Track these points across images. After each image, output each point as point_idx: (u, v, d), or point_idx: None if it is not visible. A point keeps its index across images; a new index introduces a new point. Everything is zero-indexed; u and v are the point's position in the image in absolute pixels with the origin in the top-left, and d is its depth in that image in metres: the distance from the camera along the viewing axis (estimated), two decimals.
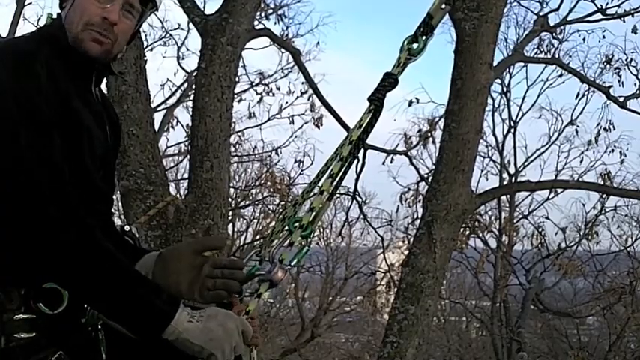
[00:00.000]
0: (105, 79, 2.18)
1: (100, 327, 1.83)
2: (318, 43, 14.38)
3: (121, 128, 2.34)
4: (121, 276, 1.70)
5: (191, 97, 10.08)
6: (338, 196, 13.47)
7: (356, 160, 1.91)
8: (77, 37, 1.90)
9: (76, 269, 1.66)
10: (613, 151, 13.34)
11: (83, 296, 1.74)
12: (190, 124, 6.31)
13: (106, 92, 2.33)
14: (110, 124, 2.06)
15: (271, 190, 13.00)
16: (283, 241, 1.86)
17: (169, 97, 14.57)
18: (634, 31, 10.87)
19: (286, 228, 1.86)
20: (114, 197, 2.19)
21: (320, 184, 1.86)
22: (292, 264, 1.85)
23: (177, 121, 13.92)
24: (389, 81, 1.88)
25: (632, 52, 11.60)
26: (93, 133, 1.93)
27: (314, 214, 1.83)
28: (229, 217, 9.83)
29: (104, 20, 1.89)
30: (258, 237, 15.24)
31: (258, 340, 1.92)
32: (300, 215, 1.86)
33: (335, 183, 1.86)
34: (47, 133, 1.73)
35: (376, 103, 1.86)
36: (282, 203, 12.87)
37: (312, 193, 1.96)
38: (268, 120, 14.12)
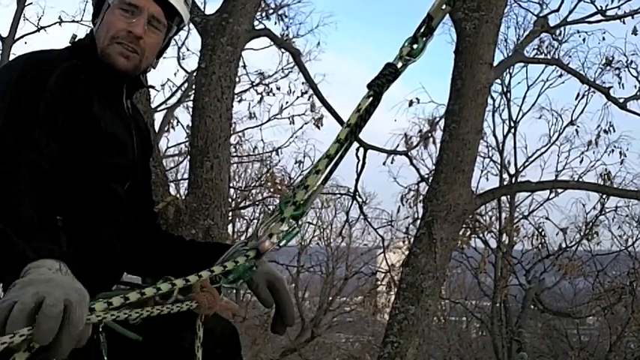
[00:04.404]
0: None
1: (101, 330, 1.83)
2: (318, 43, 14.42)
3: (152, 146, 2.37)
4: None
5: (191, 98, 10.09)
6: (338, 195, 13.48)
7: (356, 160, 1.90)
8: (104, 50, 1.98)
9: None
10: (613, 151, 13.36)
11: None
12: (190, 125, 6.31)
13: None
14: (139, 138, 2.11)
15: (271, 190, 12.98)
16: (274, 218, 1.80)
17: (170, 98, 14.60)
18: (634, 32, 10.87)
19: (278, 208, 1.81)
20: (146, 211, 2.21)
21: (316, 164, 1.82)
22: (281, 245, 1.80)
23: (178, 122, 13.96)
24: (389, 70, 1.87)
25: (632, 54, 11.65)
26: (118, 141, 1.98)
27: (308, 193, 1.79)
28: (229, 218, 9.83)
29: (129, 34, 1.96)
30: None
31: (221, 307, 1.91)
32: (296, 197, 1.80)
33: (331, 165, 1.83)
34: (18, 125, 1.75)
35: (375, 89, 1.85)
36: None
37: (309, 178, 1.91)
38: (269, 120, 14.17)
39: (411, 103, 12.29)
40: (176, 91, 14.55)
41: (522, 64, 13.12)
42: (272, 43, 10.49)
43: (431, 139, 12.29)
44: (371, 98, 1.85)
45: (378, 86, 1.85)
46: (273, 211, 1.94)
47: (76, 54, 1.99)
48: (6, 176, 1.67)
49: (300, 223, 1.80)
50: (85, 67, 1.95)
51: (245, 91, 13.28)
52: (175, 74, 14.87)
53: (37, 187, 1.72)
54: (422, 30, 1.88)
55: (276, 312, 2.08)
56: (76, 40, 2.09)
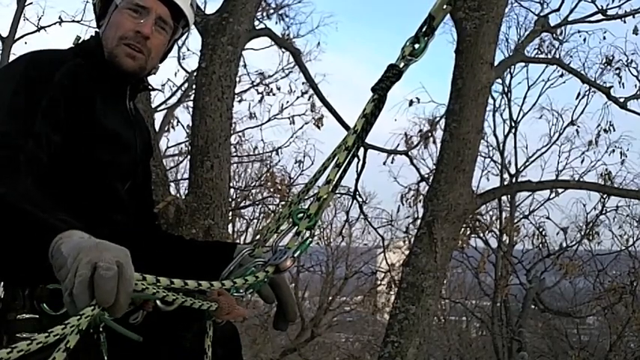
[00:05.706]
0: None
1: (101, 330, 1.83)
2: (318, 43, 14.41)
3: (153, 147, 2.38)
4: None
5: (192, 97, 10.09)
6: (339, 195, 13.49)
7: (356, 160, 1.89)
8: (112, 51, 2.01)
9: None
10: (614, 151, 13.36)
11: None
12: (191, 124, 6.31)
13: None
14: (140, 138, 2.13)
15: (271, 190, 12.98)
16: (288, 231, 1.82)
17: (170, 97, 14.59)
18: (634, 32, 10.88)
19: (290, 219, 1.82)
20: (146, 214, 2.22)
21: (327, 173, 1.82)
22: (295, 255, 1.79)
23: (178, 122, 13.95)
24: (393, 72, 1.87)
25: (633, 53, 11.65)
26: (120, 140, 2.00)
27: (319, 203, 1.79)
28: (229, 217, 9.83)
29: (137, 34, 2.00)
30: (258, 237, 15.20)
31: (236, 313, 1.91)
32: (305, 206, 1.82)
33: (340, 172, 1.83)
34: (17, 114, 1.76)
35: (380, 92, 1.85)
36: (282, 204, 12.88)
37: (315, 185, 1.93)
38: (269, 120, 14.15)
39: (411, 103, 12.31)
40: (176, 90, 14.55)
41: (523, 63, 13.13)
42: (272, 42, 10.49)
43: (431, 139, 12.32)
44: (375, 102, 1.85)
45: (383, 89, 1.86)
46: (279, 219, 1.96)
47: (80, 54, 2.01)
48: (6, 160, 1.67)
49: (312, 232, 1.81)
50: (89, 67, 1.97)
51: (245, 91, 13.30)
52: (176, 74, 14.83)
53: (36, 176, 1.71)
54: (424, 29, 1.87)
55: (278, 308, 2.08)
56: (80, 41, 2.10)
